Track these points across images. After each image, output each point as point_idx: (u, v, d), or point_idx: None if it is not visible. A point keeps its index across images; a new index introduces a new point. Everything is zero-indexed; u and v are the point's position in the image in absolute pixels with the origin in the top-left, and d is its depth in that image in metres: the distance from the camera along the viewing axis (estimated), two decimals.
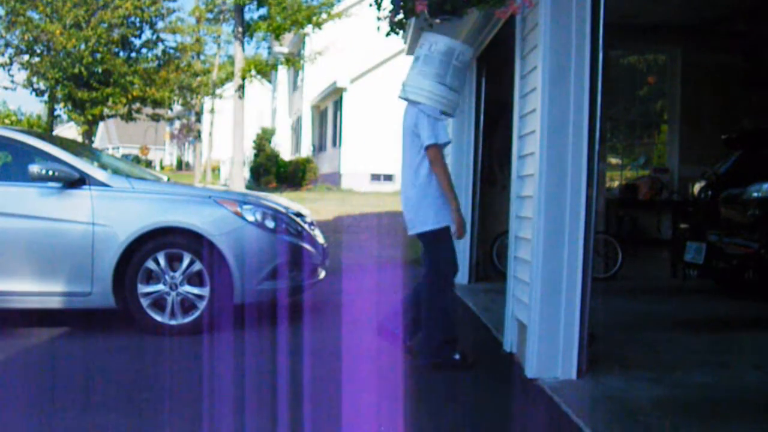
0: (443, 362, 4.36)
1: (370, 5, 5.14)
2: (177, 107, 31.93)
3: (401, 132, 4.48)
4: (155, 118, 26.66)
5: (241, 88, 22.80)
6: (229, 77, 28.93)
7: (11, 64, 23.00)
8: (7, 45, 22.84)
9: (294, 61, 26.59)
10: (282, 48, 29.32)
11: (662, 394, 3.93)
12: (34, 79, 23.07)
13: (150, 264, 5.27)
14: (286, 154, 30.47)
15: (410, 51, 8.45)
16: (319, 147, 30.30)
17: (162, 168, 51.34)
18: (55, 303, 5.32)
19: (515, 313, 4.78)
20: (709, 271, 7.18)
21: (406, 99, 4.45)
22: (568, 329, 4.11)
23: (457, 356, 4.38)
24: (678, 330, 5.70)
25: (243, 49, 23.48)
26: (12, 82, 23.45)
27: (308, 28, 23.42)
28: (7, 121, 41.00)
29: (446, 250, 4.38)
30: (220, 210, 5.44)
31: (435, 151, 4.27)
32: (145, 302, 5.26)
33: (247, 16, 23.65)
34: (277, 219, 5.60)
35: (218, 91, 29.38)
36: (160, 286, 5.28)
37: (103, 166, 5.84)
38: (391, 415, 3.65)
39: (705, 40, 8.90)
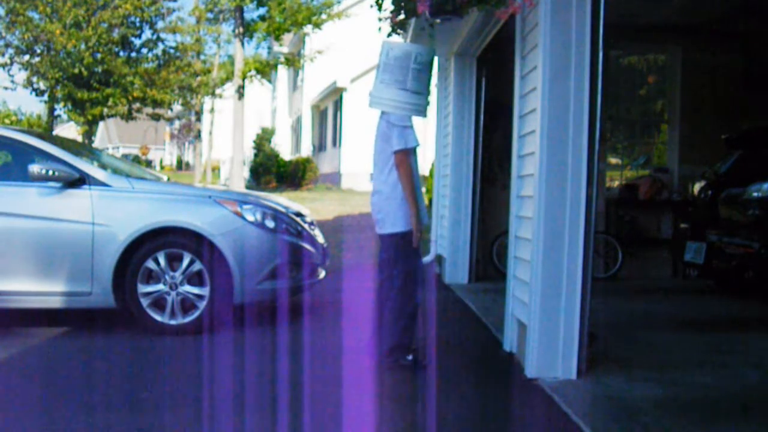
0: (395, 364, 4.37)
1: (371, 6, 5.14)
2: (177, 107, 31.93)
3: (374, 139, 4.53)
4: (155, 117, 26.67)
5: (241, 88, 22.81)
6: (229, 77, 28.91)
7: (11, 64, 23.01)
8: (7, 45, 22.85)
9: (294, 61, 26.59)
10: (282, 48, 29.31)
11: (662, 394, 3.93)
12: (34, 79, 23.08)
13: (150, 264, 5.26)
14: (286, 154, 30.47)
15: None
16: (319, 147, 30.29)
17: (162, 168, 51.32)
18: (55, 303, 5.32)
19: (515, 313, 4.78)
20: (709, 271, 7.18)
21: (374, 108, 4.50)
22: (568, 329, 4.11)
23: (409, 357, 4.40)
24: (678, 330, 5.70)
25: (243, 49, 23.49)
26: (12, 82, 23.46)
27: (308, 28, 23.43)
28: (7, 121, 40.99)
29: (415, 254, 4.42)
30: (220, 210, 5.44)
31: (403, 156, 4.34)
32: (145, 302, 5.26)
33: (247, 16, 23.68)
34: (277, 219, 5.61)
35: (218, 91, 29.34)
36: (160, 286, 5.28)
37: (103, 166, 5.84)
38: (391, 415, 3.65)
39: (705, 40, 8.90)
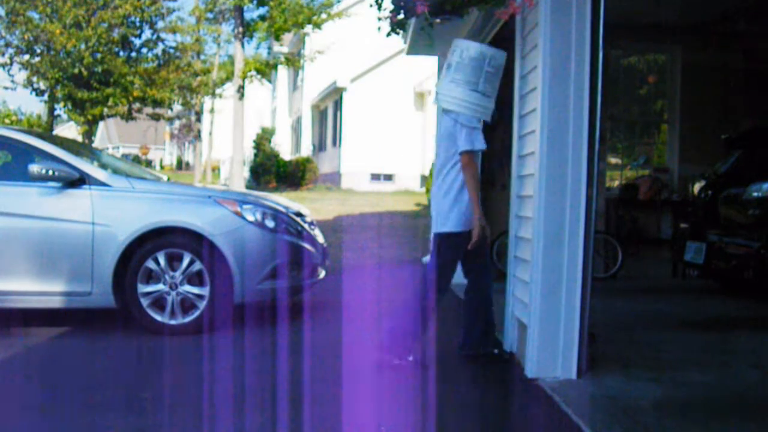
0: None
1: (371, 5, 5.14)
2: (177, 107, 31.92)
3: (436, 136, 4.51)
4: (155, 117, 26.66)
5: (241, 88, 22.80)
6: (229, 77, 28.91)
7: (11, 64, 22.97)
8: (7, 45, 22.82)
9: (294, 60, 26.59)
10: (282, 48, 29.31)
11: (662, 394, 3.93)
12: (34, 79, 23.05)
13: (150, 264, 5.26)
14: (286, 154, 30.47)
15: (410, 51, 8.44)
16: (319, 147, 30.30)
17: (162, 168, 51.31)
18: (55, 303, 5.32)
19: (515, 313, 4.78)
20: (709, 271, 7.19)
21: (440, 106, 4.50)
22: (568, 329, 4.11)
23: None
24: (678, 330, 5.70)
25: (243, 49, 23.49)
26: (12, 82, 23.41)
27: (308, 28, 23.43)
28: (7, 121, 40.99)
29: (456, 255, 4.43)
30: (220, 210, 5.44)
31: (468, 158, 4.34)
32: (145, 302, 5.26)
33: (247, 16, 23.67)
34: (277, 219, 5.61)
35: (218, 91, 29.35)
36: (160, 286, 5.28)
37: (103, 166, 5.84)
38: (391, 415, 3.65)
39: (705, 40, 8.91)
